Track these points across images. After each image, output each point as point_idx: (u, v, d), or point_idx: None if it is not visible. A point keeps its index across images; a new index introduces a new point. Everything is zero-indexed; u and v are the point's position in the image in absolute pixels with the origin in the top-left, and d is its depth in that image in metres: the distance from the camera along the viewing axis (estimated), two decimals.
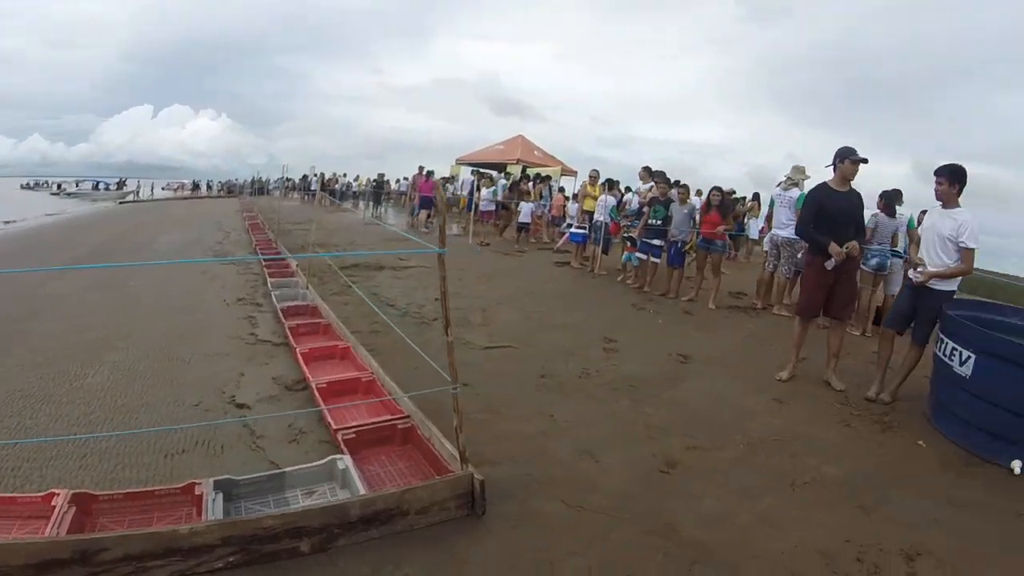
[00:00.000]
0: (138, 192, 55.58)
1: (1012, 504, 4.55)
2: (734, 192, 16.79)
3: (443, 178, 28.14)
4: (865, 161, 6.40)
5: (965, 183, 6.05)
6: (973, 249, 5.97)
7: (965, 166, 6.03)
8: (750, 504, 4.27)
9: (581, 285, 11.92)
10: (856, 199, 6.65)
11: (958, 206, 6.10)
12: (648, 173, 12.82)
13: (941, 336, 5.99)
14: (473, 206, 19.29)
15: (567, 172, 26.01)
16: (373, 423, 4.77)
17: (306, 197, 37.62)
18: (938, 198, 6.23)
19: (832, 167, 6.57)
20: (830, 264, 6.41)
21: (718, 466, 4.78)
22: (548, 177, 21.21)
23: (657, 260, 11.28)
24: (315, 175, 37.84)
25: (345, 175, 39.40)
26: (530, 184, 20.37)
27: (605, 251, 13.31)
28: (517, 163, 26.49)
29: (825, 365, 6.90)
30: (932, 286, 6.11)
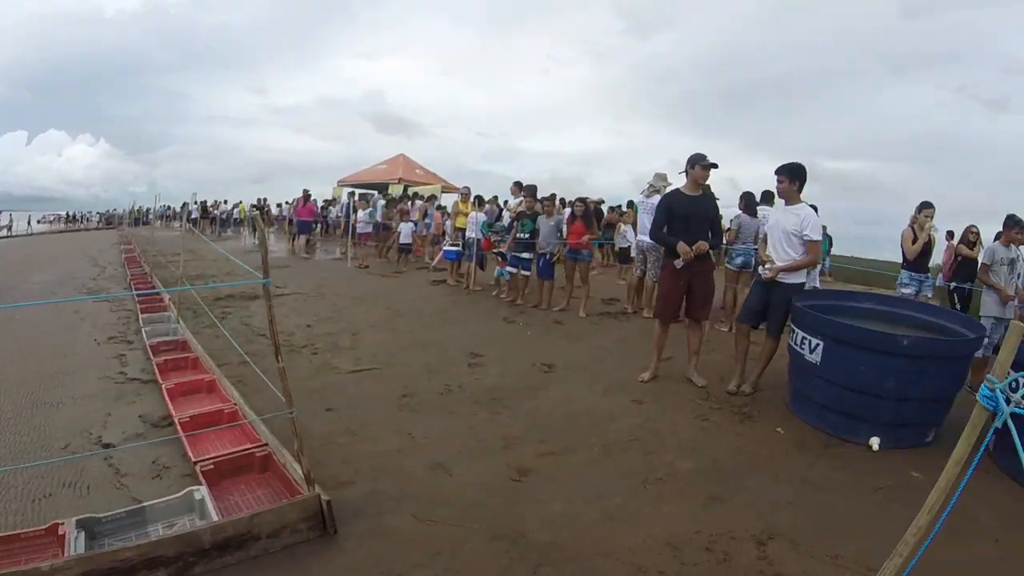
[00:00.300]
0: (10, 227, 52.72)
1: (870, 480, 4.79)
2: (603, 201, 17.00)
3: (325, 200, 27.84)
4: (715, 166, 6.57)
5: (804, 180, 6.31)
6: (817, 241, 6.26)
7: (802, 163, 6.30)
8: (600, 504, 4.29)
9: (455, 302, 11.88)
10: (708, 202, 6.80)
11: (800, 202, 6.35)
12: (519, 188, 12.84)
13: (793, 327, 6.19)
14: (351, 228, 18.83)
15: (449, 189, 25.34)
16: (231, 453, 4.66)
17: (186, 226, 36.43)
18: (780, 195, 6.51)
19: (684, 173, 6.73)
20: (679, 263, 6.54)
21: (571, 470, 4.79)
22: (433, 196, 20.91)
23: (528, 273, 11.37)
24: (195, 203, 37.05)
25: (226, 201, 38.38)
26: (411, 203, 20.01)
27: (481, 266, 13.33)
28: (399, 182, 26.08)
29: (687, 363, 7.01)
30: (781, 280, 6.32)
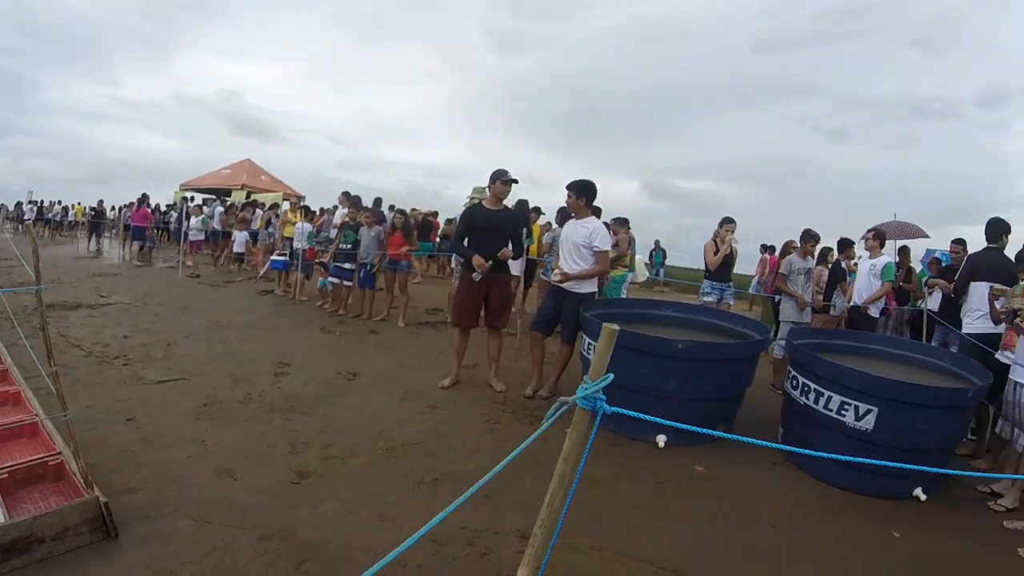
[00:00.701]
0: None
1: (653, 475, 5.23)
2: (435, 213, 17.37)
3: (168, 205, 27.02)
4: (515, 181, 6.91)
5: (593, 195, 6.77)
6: (605, 251, 6.71)
7: (591, 180, 6.76)
8: (373, 503, 4.45)
9: (278, 312, 11.90)
10: (510, 216, 7.13)
11: (589, 216, 6.83)
12: (346, 198, 12.99)
13: (582, 334, 6.65)
14: (182, 236, 18.33)
15: (292, 197, 23.72)
16: (25, 463, 4.72)
17: (19, 228, 34.73)
18: (570, 210, 6.96)
19: (487, 188, 7.07)
20: (476, 276, 6.82)
21: (351, 472, 4.94)
22: (275, 205, 20.50)
23: (350, 283, 11.54)
24: (30, 203, 35.45)
25: (60, 202, 36.28)
26: (253, 212, 19.35)
27: (308, 276, 13.41)
28: (242, 188, 25.58)
29: (488, 369, 7.38)
30: (572, 289, 6.73)
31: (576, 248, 6.73)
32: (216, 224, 19.19)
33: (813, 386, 5.55)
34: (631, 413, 2.51)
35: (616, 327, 2.43)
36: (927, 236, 11.75)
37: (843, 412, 5.27)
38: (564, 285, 6.78)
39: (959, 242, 8.64)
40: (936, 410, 5.14)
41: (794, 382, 5.85)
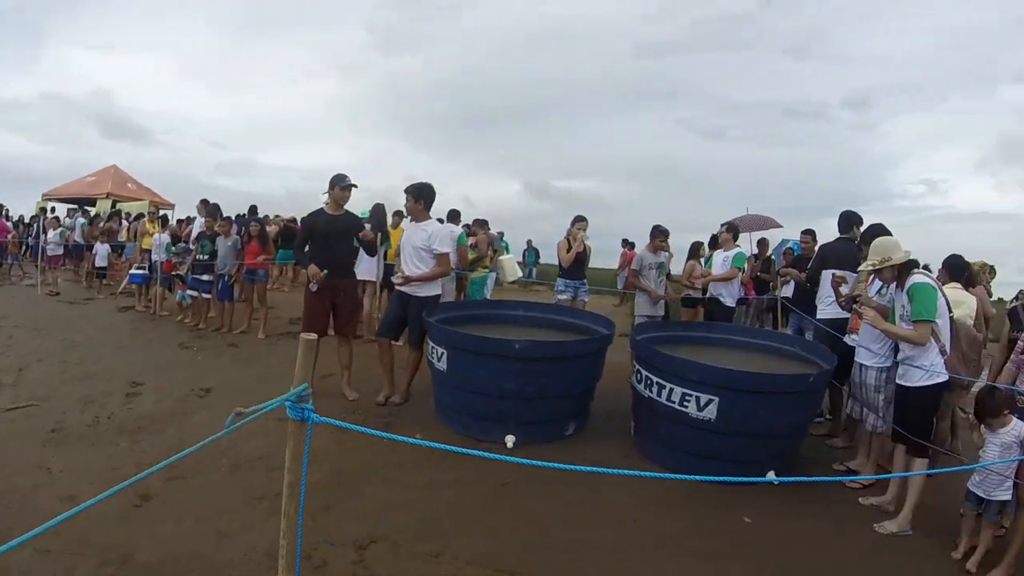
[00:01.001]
0: None
1: (498, 476, 5.19)
2: (295, 220, 17.03)
3: (32, 216, 25.72)
4: (354, 186, 6.93)
5: (431, 199, 6.80)
6: (445, 253, 6.74)
7: (428, 183, 6.77)
8: (212, 522, 4.37)
9: (137, 329, 11.46)
10: (351, 220, 7.18)
11: (428, 219, 6.87)
12: (204, 206, 12.56)
13: (428, 339, 6.58)
14: (40, 251, 16.66)
15: (162, 205, 22.91)
16: None
17: None
18: (408, 213, 7.03)
19: (327, 193, 7.00)
20: (312, 286, 6.82)
21: (193, 491, 4.83)
22: (141, 215, 19.33)
23: (208, 295, 11.20)
24: None
25: None
26: (120, 222, 18.70)
27: (169, 289, 12.69)
28: (107, 197, 23.31)
29: (341, 378, 7.26)
30: (415, 293, 6.70)
31: (416, 251, 6.73)
32: (77, 237, 18.10)
33: (655, 379, 5.61)
34: (340, 424, 2.71)
35: (314, 336, 2.61)
36: (780, 226, 12.22)
37: (685, 403, 5.36)
38: (406, 289, 6.78)
39: (809, 232, 8.97)
40: (776, 396, 5.31)
41: (638, 376, 5.91)
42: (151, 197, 24.17)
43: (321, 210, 7.11)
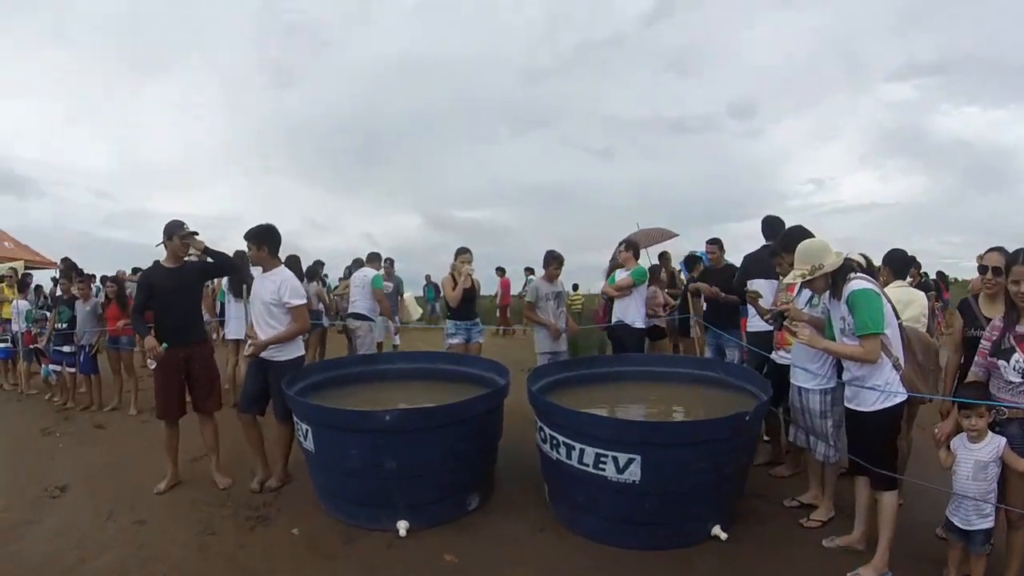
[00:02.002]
0: None
1: (394, 572, 4.40)
2: (124, 274, 15.61)
3: None
4: (195, 234, 5.77)
5: (277, 243, 5.77)
6: (300, 305, 5.64)
7: (271, 225, 5.77)
8: None
9: (0, 412, 10.09)
10: (193, 269, 5.98)
11: (277, 266, 5.79)
12: (64, 263, 11.14)
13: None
14: None
15: (41, 265, 20.04)
16: None
17: None
18: (255, 263, 5.91)
19: (163, 245, 5.83)
20: (150, 363, 5.84)
21: None
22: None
23: (72, 369, 9.69)
24: None
25: None
26: None
27: (38, 362, 10.91)
28: None
29: (210, 463, 6.13)
30: (273, 358, 5.66)
31: (266, 307, 5.65)
32: None
33: (561, 438, 4.64)
34: None
35: None
36: (676, 235, 11.49)
37: (601, 466, 4.39)
38: (263, 354, 5.68)
39: (714, 242, 7.93)
40: (709, 444, 4.39)
41: (542, 433, 4.94)
42: (30, 256, 22.15)
43: (157, 263, 5.98)
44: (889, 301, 4.13)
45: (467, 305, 8.10)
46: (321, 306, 10.75)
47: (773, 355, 5.63)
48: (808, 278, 4.15)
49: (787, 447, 5.89)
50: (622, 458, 4.32)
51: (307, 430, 5.10)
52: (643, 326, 7.80)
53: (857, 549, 4.37)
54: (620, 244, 8.03)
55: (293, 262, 9.19)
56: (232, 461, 6.29)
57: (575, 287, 17.32)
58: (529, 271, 18.46)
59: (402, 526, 4.82)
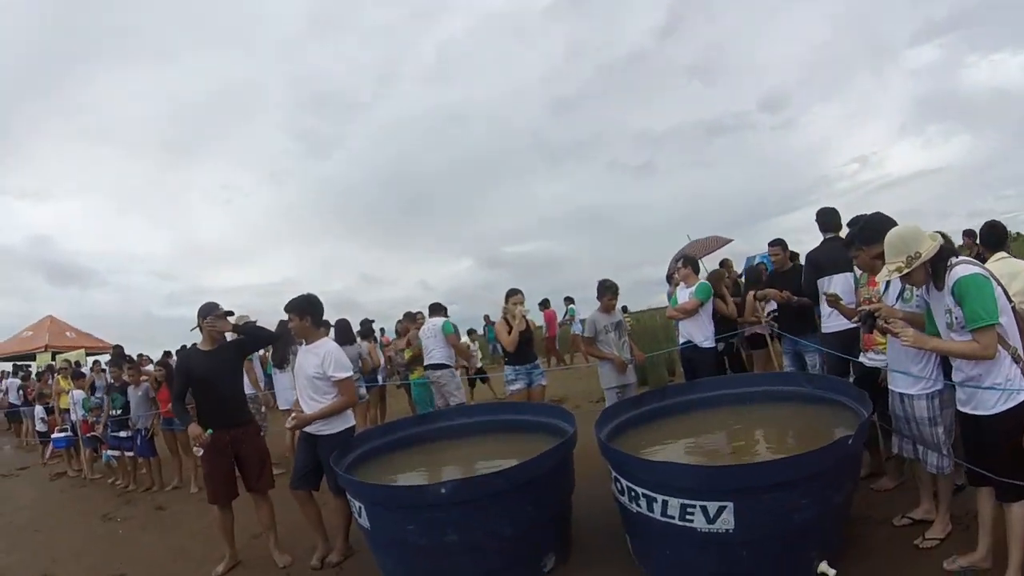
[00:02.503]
0: None
1: None
2: (171, 355, 15.27)
3: None
4: (231, 313, 5.53)
5: (319, 312, 5.43)
6: (346, 378, 5.24)
7: (312, 295, 5.45)
8: None
9: (66, 500, 9.91)
10: (230, 353, 5.64)
11: (321, 337, 5.46)
12: (115, 353, 10.92)
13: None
14: None
15: (102, 349, 19.64)
16: None
17: None
18: (297, 335, 5.55)
19: (196, 328, 5.55)
20: (197, 451, 5.58)
21: None
22: (52, 368, 15.84)
23: (131, 453, 9.49)
24: None
25: None
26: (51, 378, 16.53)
27: (96, 450, 10.81)
28: (45, 350, 21.05)
29: (268, 541, 5.72)
30: (320, 432, 5.24)
31: (310, 382, 5.26)
32: (13, 399, 16.61)
33: (640, 490, 4.05)
34: None
35: None
36: (731, 240, 10.61)
37: (688, 517, 3.79)
38: (311, 428, 5.28)
39: (777, 243, 7.24)
40: (809, 480, 3.75)
41: (618, 484, 4.33)
42: (91, 343, 22.10)
43: (195, 347, 5.68)
44: (999, 283, 3.47)
45: (525, 348, 7.53)
46: (381, 362, 10.37)
47: (862, 358, 4.98)
48: (906, 271, 3.51)
49: (887, 454, 5.15)
50: (711, 507, 3.73)
51: (360, 507, 4.61)
52: (713, 345, 7.22)
53: (983, 568, 3.72)
54: (676, 260, 7.48)
55: (343, 327, 8.87)
56: (292, 536, 5.86)
57: (624, 309, 16.31)
58: (569, 300, 17.76)
59: None
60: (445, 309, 9.40)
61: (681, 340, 7.31)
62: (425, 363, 8.97)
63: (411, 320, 9.78)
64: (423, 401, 9.12)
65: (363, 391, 8.83)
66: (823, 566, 3.88)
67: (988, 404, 3.43)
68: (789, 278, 6.89)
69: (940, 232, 3.97)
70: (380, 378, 10.33)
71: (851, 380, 5.13)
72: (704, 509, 3.75)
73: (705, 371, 6.98)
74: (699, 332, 7.11)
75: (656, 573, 4.35)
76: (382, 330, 12.98)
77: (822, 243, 6.05)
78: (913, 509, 4.55)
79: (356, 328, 9.78)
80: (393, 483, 4.68)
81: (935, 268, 3.51)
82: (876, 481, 5.27)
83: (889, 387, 4.33)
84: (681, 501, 3.82)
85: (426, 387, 9.04)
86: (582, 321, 13.13)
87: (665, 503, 3.90)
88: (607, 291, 7.07)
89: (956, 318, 3.44)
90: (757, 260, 10.20)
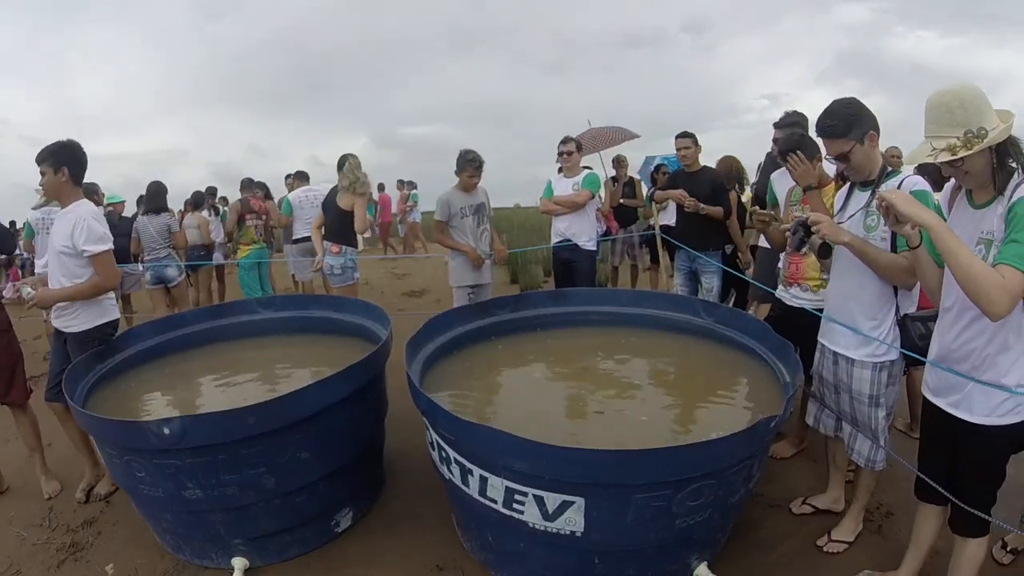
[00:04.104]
0: None
1: None
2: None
3: None
4: None
5: (77, 163, 3.78)
6: (102, 251, 3.68)
7: (70, 140, 3.79)
8: None
9: None
10: None
11: (77, 199, 3.77)
12: None
13: None
14: None
15: None
16: None
17: None
18: (50, 194, 3.96)
19: None
20: None
21: None
22: None
23: None
24: None
25: None
26: None
27: None
28: None
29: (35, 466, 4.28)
30: (67, 328, 3.82)
31: (58, 258, 3.71)
32: None
33: (451, 453, 2.72)
34: None
35: None
36: (637, 135, 8.76)
37: (516, 507, 2.49)
38: (56, 323, 3.85)
39: (687, 136, 5.63)
40: (709, 478, 2.42)
41: (431, 441, 2.99)
42: None
43: None
44: None
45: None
46: (220, 239, 8.66)
47: (780, 291, 3.70)
48: (962, 153, 2.01)
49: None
50: (552, 500, 2.43)
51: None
52: (594, 246, 5.88)
53: None
54: (561, 143, 5.96)
55: (154, 192, 7.14)
56: (67, 457, 4.47)
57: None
58: (411, 184, 15.37)
59: (238, 566, 3.05)
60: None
61: (556, 238, 5.92)
62: (296, 237, 7.69)
63: (248, 188, 8.07)
64: (249, 286, 7.54)
65: (171, 272, 7.19)
66: (702, 569, 2.75)
67: (986, 408, 2.21)
68: (697, 182, 5.52)
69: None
70: (217, 257, 8.63)
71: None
72: (540, 501, 2.46)
73: (585, 278, 5.73)
74: (583, 231, 5.79)
75: (479, 555, 3.10)
76: (224, 200, 10.92)
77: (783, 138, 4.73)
78: (817, 495, 3.45)
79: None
80: (110, 417, 3.07)
81: (1000, 162, 2.08)
82: (772, 444, 3.87)
83: (820, 341, 3.06)
84: (507, 484, 2.50)
85: (254, 270, 7.51)
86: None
87: (484, 480, 2.59)
88: (468, 164, 5.31)
89: (994, 237, 2.08)
90: (658, 160, 8.68)
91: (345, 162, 5.77)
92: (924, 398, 2.45)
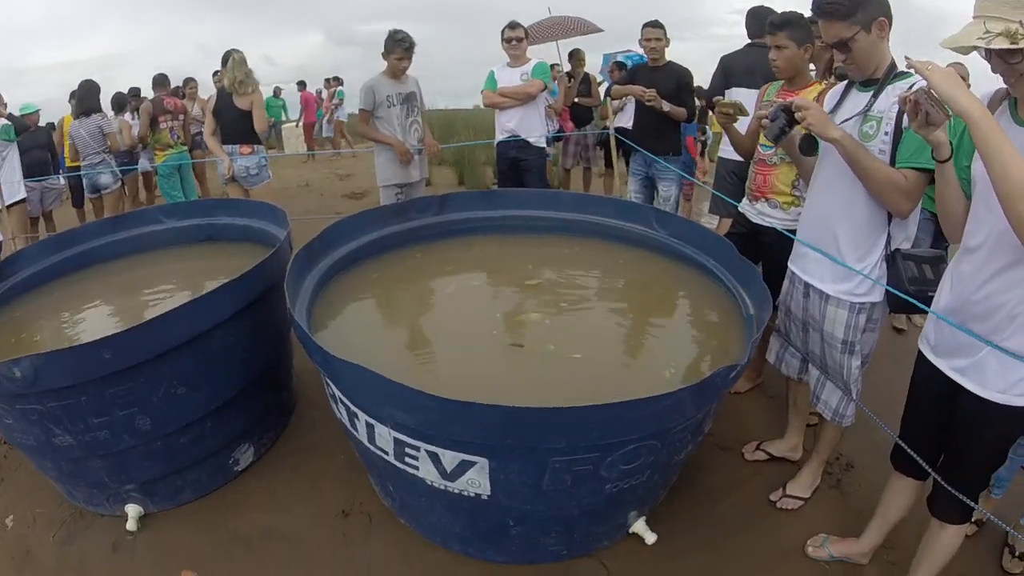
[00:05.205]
0: None
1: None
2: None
3: None
4: None
5: None
6: None
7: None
8: None
9: None
10: None
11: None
12: None
13: None
14: None
15: None
16: None
17: None
18: None
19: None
20: None
21: None
22: None
23: None
24: None
25: None
26: None
27: None
28: None
29: None
30: None
31: None
32: None
33: (336, 391, 2.23)
34: None
35: None
36: (601, 29, 7.94)
37: (409, 461, 2.00)
38: None
39: (656, 26, 4.98)
40: (654, 437, 1.95)
41: (326, 382, 2.39)
42: None
43: None
44: None
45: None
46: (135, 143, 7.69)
47: (744, 205, 3.14)
48: (1015, 44, 1.48)
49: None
50: (449, 457, 1.94)
51: None
52: (544, 144, 5.23)
53: (860, 564, 2.39)
54: (507, 27, 5.22)
55: (86, 91, 6.44)
56: None
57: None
58: (337, 81, 14.01)
59: (132, 513, 2.62)
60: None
61: (501, 135, 5.20)
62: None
63: (162, 86, 7.23)
64: (169, 194, 6.75)
65: (104, 179, 6.45)
66: (639, 525, 2.35)
67: (1001, 382, 1.73)
68: (660, 78, 4.81)
69: None
70: (144, 163, 7.75)
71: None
72: (435, 457, 1.95)
73: (536, 178, 5.10)
74: (534, 127, 5.12)
75: (387, 501, 2.68)
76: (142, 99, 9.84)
77: (743, 47, 4.33)
78: (773, 440, 3.01)
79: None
80: None
81: None
82: None
83: (790, 267, 2.57)
84: (395, 435, 1.99)
85: (174, 175, 6.75)
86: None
87: (371, 428, 2.08)
88: (396, 45, 4.50)
89: None
90: (620, 58, 7.92)
91: (229, 58, 5.14)
92: (920, 353, 1.97)
